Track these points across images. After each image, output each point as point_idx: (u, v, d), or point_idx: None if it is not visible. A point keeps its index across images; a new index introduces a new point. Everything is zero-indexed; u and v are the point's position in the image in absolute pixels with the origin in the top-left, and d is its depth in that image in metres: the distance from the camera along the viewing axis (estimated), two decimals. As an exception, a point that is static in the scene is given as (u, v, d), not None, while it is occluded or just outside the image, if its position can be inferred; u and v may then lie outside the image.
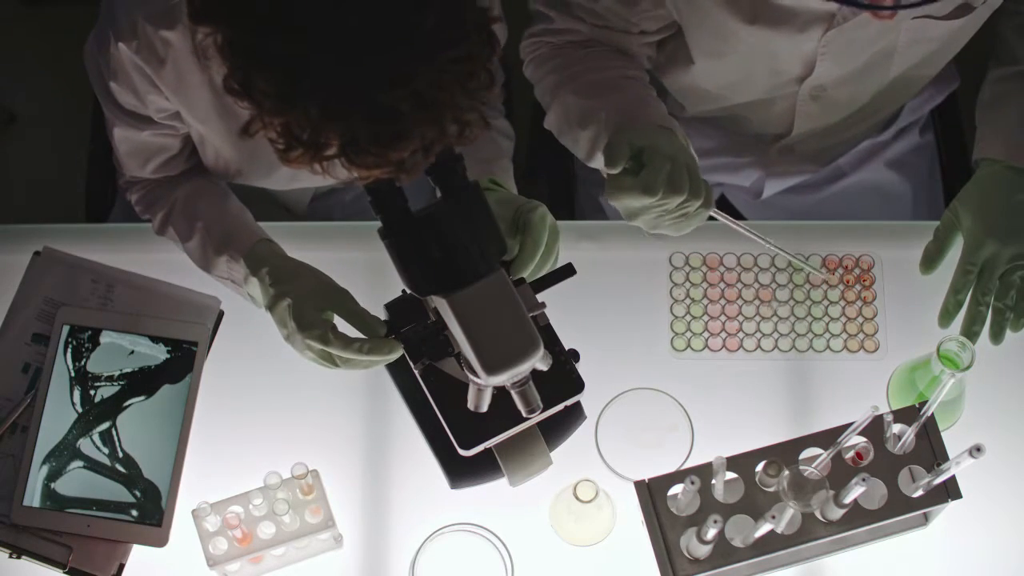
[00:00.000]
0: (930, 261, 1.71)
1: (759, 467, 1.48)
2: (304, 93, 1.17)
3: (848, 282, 1.76)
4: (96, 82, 1.58)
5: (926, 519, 1.59)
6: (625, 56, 1.71)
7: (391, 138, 1.19)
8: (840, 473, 1.49)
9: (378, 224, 1.33)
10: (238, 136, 1.25)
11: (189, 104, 1.55)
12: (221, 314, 1.73)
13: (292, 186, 1.76)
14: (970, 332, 1.65)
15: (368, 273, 1.65)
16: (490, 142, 1.70)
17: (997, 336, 1.66)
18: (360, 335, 1.48)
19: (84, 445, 1.65)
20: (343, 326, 1.50)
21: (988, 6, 1.62)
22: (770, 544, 1.48)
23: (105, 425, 1.66)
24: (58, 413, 1.66)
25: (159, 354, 1.70)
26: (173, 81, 1.51)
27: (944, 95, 1.96)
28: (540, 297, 1.44)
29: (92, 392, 1.68)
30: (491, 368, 1.33)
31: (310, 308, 1.50)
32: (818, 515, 1.49)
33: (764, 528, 1.40)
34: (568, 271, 1.48)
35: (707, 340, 1.74)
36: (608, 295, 1.74)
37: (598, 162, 1.57)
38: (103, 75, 1.54)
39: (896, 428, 1.51)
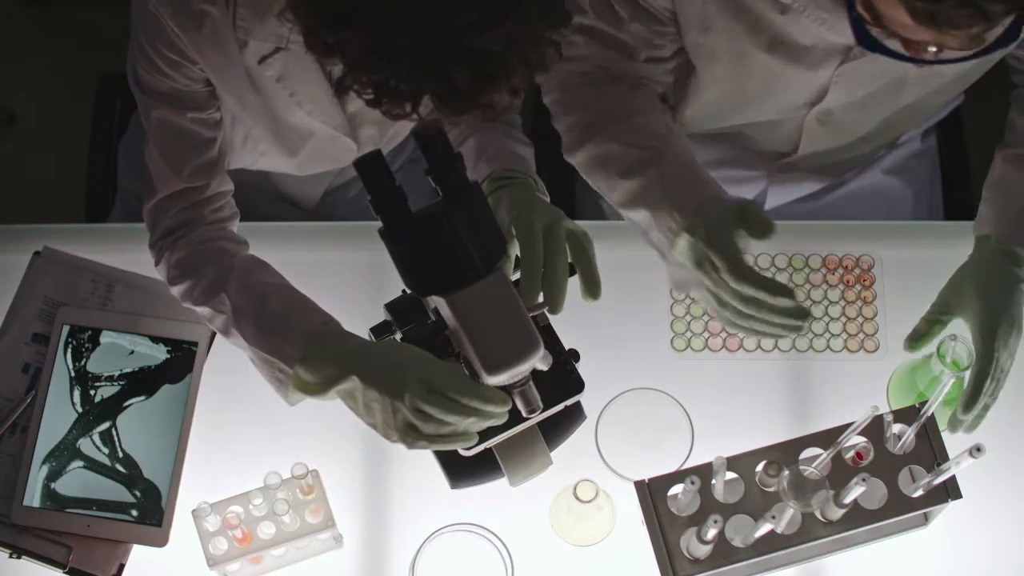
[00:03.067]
0: (916, 340, 1.63)
1: (759, 467, 1.48)
2: (401, 49, 1.19)
3: (848, 282, 1.76)
4: (131, 70, 1.55)
5: (926, 519, 1.59)
6: (655, 97, 1.69)
7: (487, 80, 1.22)
8: (840, 473, 1.49)
9: (379, 224, 1.34)
10: (334, 94, 1.26)
11: (222, 77, 1.54)
12: (221, 314, 1.73)
13: (314, 169, 1.75)
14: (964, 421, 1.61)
15: (368, 273, 1.65)
16: (504, 143, 1.69)
17: (972, 427, 1.61)
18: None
19: (84, 445, 1.65)
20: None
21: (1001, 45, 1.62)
22: (770, 544, 1.48)
23: (105, 425, 1.66)
24: (58, 413, 1.66)
25: (159, 354, 1.70)
26: (208, 51, 1.50)
27: (948, 110, 1.96)
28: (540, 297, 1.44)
29: (92, 392, 1.68)
30: (491, 368, 1.33)
31: (393, 379, 1.39)
32: (818, 515, 1.49)
33: (764, 528, 1.40)
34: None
35: (707, 340, 1.74)
36: (608, 295, 1.74)
37: (635, 215, 1.58)
38: (138, 57, 1.52)
39: (896, 428, 1.51)
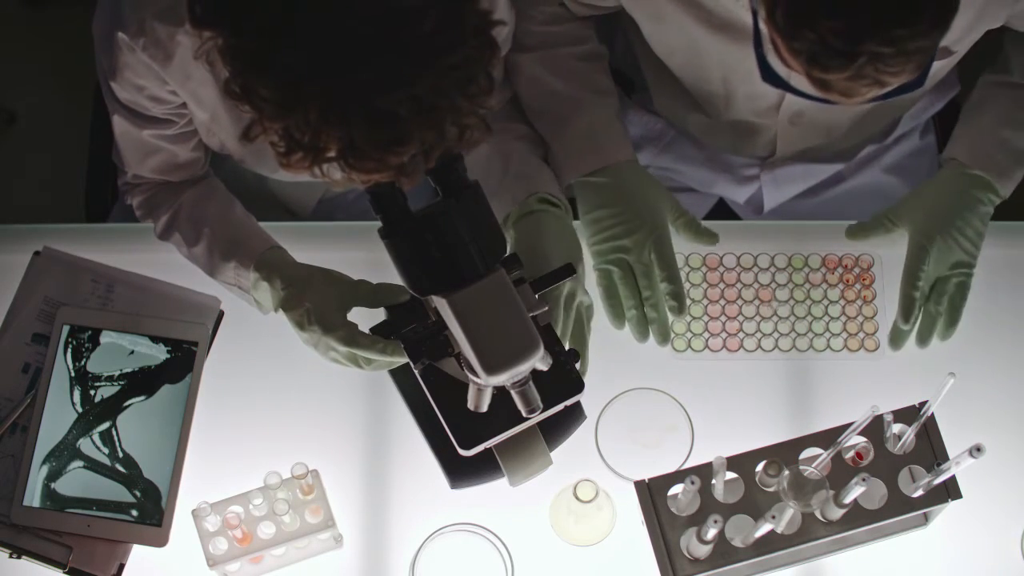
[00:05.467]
0: (856, 232, 1.75)
1: (759, 467, 1.48)
2: (303, 98, 1.18)
3: (848, 282, 1.76)
4: (100, 72, 1.58)
5: (926, 519, 1.60)
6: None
7: (390, 142, 1.20)
8: (840, 473, 1.49)
9: (379, 224, 1.33)
10: (238, 140, 1.26)
11: (196, 98, 1.55)
12: (221, 314, 1.73)
13: (298, 177, 1.76)
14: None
15: (368, 273, 1.65)
16: (529, 157, 1.71)
17: (924, 340, 1.67)
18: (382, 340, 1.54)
19: (84, 445, 1.65)
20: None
21: (963, 43, 1.63)
22: (770, 544, 1.48)
23: (105, 425, 1.66)
24: (58, 413, 1.66)
25: (159, 354, 1.70)
26: (180, 76, 1.51)
27: (944, 101, 1.96)
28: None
29: (92, 392, 1.68)
30: (491, 368, 1.33)
31: (330, 310, 1.53)
32: (818, 515, 1.49)
33: (764, 528, 1.40)
34: (568, 271, 1.48)
35: (707, 340, 1.74)
36: (608, 295, 1.74)
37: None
38: (104, 70, 1.54)
39: (896, 428, 1.51)
